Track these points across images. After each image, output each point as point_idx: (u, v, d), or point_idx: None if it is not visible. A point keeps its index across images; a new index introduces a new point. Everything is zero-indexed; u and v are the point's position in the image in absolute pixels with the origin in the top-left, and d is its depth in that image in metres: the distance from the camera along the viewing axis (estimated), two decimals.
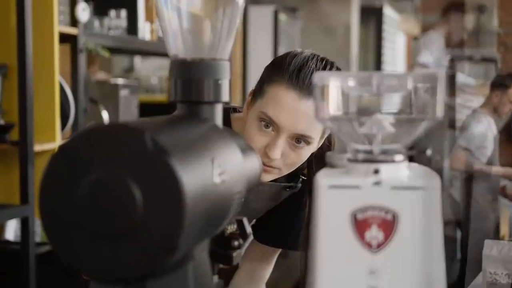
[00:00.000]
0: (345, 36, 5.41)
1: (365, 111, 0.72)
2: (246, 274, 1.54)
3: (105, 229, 0.60)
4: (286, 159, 1.25)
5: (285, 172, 1.28)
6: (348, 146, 0.72)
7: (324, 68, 1.26)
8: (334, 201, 0.68)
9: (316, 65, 1.25)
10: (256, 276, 1.55)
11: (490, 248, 1.96)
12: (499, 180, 4.26)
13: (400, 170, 0.70)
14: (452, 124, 4.91)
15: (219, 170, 0.69)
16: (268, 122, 1.23)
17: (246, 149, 0.84)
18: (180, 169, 0.60)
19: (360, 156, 0.70)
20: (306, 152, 1.26)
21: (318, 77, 0.70)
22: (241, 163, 0.77)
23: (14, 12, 2.33)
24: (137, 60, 5.20)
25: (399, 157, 0.70)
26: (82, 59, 2.62)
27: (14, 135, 2.37)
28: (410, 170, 0.72)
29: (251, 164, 0.83)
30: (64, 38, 2.58)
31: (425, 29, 9.54)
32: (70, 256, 0.62)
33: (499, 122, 4.18)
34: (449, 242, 4.93)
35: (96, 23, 2.88)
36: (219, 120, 0.81)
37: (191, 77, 0.79)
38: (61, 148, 0.62)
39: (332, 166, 0.76)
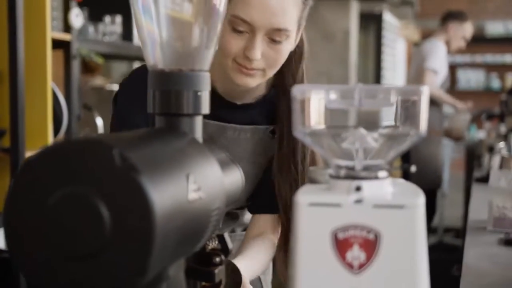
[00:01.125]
0: (344, 43, 5.38)
1: (347, 125, 0.69)
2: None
3: (71, 249, 0.57)
4: (267, 58, 1.21)
5: (270, 73, 1.25)
6: (329, 162, 0.69)
7: None
8: (314, 219, 0.65)
9: None
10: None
11: (497, 179, 1.86)
12: (444, 115, 4.45)
13: (383, 187, 0.67)
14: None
15: (195, 187, 0.66)
16: (240, 24, 1.19)
17: (226, 162, 0.81)
18: (150, 187, 0.57)
19: (342, 172, 0.68)
20: (285, 48, 1.23)
21: (298, 90, 0.68)
22: (220, 178, 0.74)
23: (6, 17, 2.31)
24: (136, 66, 5.18)
25: (382, 174, 0.67)
26: (75, 65, 2.59)
27: (5, 141, 2.34)
28: (394, 186, 0.69)
29: (231, 178, 0.80)
30: (58, 44, 2.55)
31: (425, 35, 9.54)
32: (34, 276, 0.59)
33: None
34: None
35: (91, 28, 2.86)
36: (198, 132, 0.78)
37: (170, 88, 0.76)
38: (28, 162, 0.59)
39: (314, 181, 0.73)
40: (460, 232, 5.15)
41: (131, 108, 1.28)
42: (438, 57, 4.24)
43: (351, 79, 5.48)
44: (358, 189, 0.66)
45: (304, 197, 0.66)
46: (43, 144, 2.43)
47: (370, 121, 0.69)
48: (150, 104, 0.78)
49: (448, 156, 5.97)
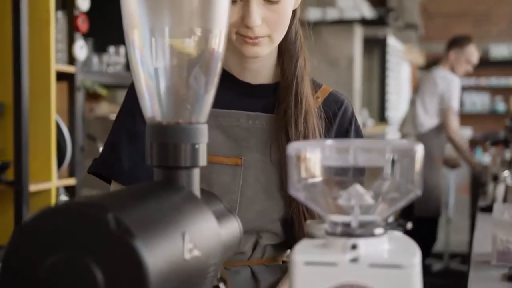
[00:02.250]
0: (348, 68, 5.40)
1: (343, 182, 0.69)
2: None
3: None
4: (269, 22, 1.14)
5: (277, 38, 1.16)
6: (325, 218, 0.69)
7: None
8: (311, 278, 0.65)
9: None
10: None
11: (501, 211, 1.83)
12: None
13: (379, 245, 0.67)
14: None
15: (191, 245, 0.66)
16: None
17: (223, 213, 0.81)
18: (145, 251, 0.57)
19: (338, 229, 0.68)
20: (286, 6, 1.15)
21: (293, 147, 0.68)
22: (217, 232, 0.74)
23: (11, 49, 2.33)
24: None
25: (378, 231, 0.67)
26: (80, 97, 2.61)
27: (9, 174, 2.35)
28: (391, 242, 0.69)
29: (228, 230, 0.80)
30: (62, 76, 2.57)
31: (430, 58, 9.57)
32: None
33: None
34: None
35: (95, 59, 2.88)
36: (196, 185, 0.78)
37: (167, 141, 0.77)
38: (23, 226, 0.60)
39: (311, 236, 0.73)
40: (466, 258, 5.11)
41: (135, 109, 1.22)
42: (457, 94, 4.30)
43: (356, 104, 5.49)
44: (354, 247, 0.66)
45: (300, 256, 0.66)
46: (46, 177, 2.43)
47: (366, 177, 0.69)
48: (148, 156, 0.78)
49: (453, 180, 5.95)
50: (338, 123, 1.26)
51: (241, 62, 1.23)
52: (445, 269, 5.30)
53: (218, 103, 1.24)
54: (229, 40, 1.17)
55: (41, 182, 2.41)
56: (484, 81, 9.79)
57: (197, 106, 0.79)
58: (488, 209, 2.73)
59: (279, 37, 1.17)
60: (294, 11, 1.22)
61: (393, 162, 0.67)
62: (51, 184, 2.46)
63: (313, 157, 0.68)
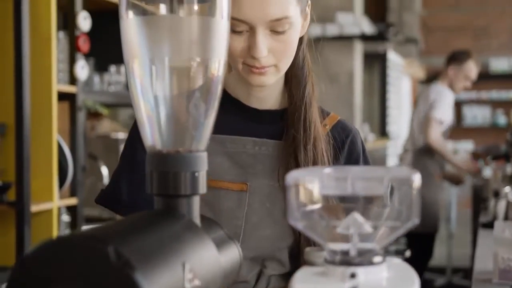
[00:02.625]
0: (348, 83, 5.42)
1: (341, 210, 0.70)
2: None
3: None
4: (275, 52, 1.13)
5: (284, 67, 1.16)
6: (324, 246, 0.70)
7: None
8: None
9: None
10: None
11: (502, 229, 1.82)
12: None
13: (378, 273, 0.67)
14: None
15: (191, 275, 0.66)
16: (237, 25, 1.11)
17: (223, 240, 0.82)
18: (145, 283, 0.58)
19: (337, 258, 0.68)
20: (292, 36, 1.14)
21: (291, 177, 0.68)
22: (217, 260, 0.74)
23: (13, 70, 2.34)
24: None
25: (377, 259, 0.68)
26: (81, 117, 2.62)
27: (11, 195, 2.35)
28: (390, 270, 0.69)
29: (228, 257, 0.80)
30: (63, 95, 2.59)
31: (430, 72, 9.59)
32: None
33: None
34: None
35: (96, 79, 2.89)
36: (196, 212, 0.79)
37: (168, 170, 0.77)
38: (23, 259, 0.60)
39: (310, 263, 0.74)
40: (469, 273, 5.10)
41: (137, 140, 1.21)
42: (447, 106, 4.26)
43: (356, 120, 5.50)
44: (353, 276, 0.66)
45: (300, 284, 0.66)
46: (48, 197, 2.44)
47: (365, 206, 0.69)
48: (148, 184, 0.79)
49: (455, 195, 5.95)
50: (347, 152, 1.26)
51: (247, 90, 1.24)
52: (447, 284, 5.29)
53: (225, 129, 1.25)
54: (235, 69, 1.18)
55: (42, 202, 2.42)
56: (484, 94, 9.82)
57: (197, 134, 0.80)
58: (490, 225, 2.73)
59: (285, 66, 1.17)
60: (301, 38, 1.22)
61: (391, 190, 0.68)
62: (52, 204, 2.46)
63: (311, 186, 0.69)
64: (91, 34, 2.70)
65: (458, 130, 10.04)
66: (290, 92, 1.23)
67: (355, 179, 0.68)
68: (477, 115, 9.99)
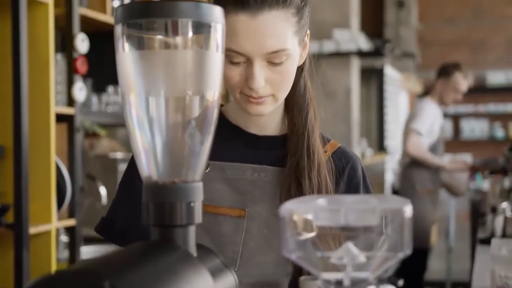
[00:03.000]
0: (346, 99, 5.44)
1: (335, 240, 0.71)
2: None
3: None
4: (272, 83, 1.14)
5: (281, 96, 1.17)
6: (318, 276, 0.71)
7: None
8: None
9: None
10: None
11: (499, 247, 1.82)
12: (440, 171, 4.34)
13: None
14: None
15: None
16: (235, 56, 1.12)
17: (219, 269, 0.82)
18: None
19: (331, 287, 0.69)
20: (290, 66, 1.15)
21: (285, 208, 0.70)
22: None
23: (11, 92, 2.36)
24: None
25: None
26: (79, 138, 2.63)
27: (9, 217, 2.36)
28: None
29: (224, 286, 0.81)
30: (61, 117, 2.60)
31: (427, 86, 9.63)
32: None
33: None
34: None
35: (95, 99, 2.91)
36: (191, 242, 0.80)
37: (164, 200, 0.78)
38: None
39: None
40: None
41: (133, 170, 1.23)
42: (426, 118, 4.24)
43: (354, 136, 5.52)
44: None
45: None
46: (46, 219, 2.44)
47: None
48: (144, 215, 0.80)
49: (453, 209, 5.95)
50: (347, 178, 1.26)
51: (247, 117, 1.24)
52: None
53: (225, 155, 1.26)
54: (234, 98, 1.19)
55: (41, 224, 2.42)
56: (482, 107, 9.85)
57: (192, 165, 0.81)
58: (488, 241, 2.73)
59: (283, 95, 1.17)
60: (302, 66, 1.23)
61: (384, 221, 0.69)
62: (51, 226, 2.46)
63: (305, 217, 0.70)
64: (88, 54, 2.72)
65: (456, 143, 10.07)
66: (292, 119, 1.24)
67: (348, 211, 0.69)
68: (475, 128, 10.01)
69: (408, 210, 0.68)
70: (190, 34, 0.78)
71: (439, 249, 6.79)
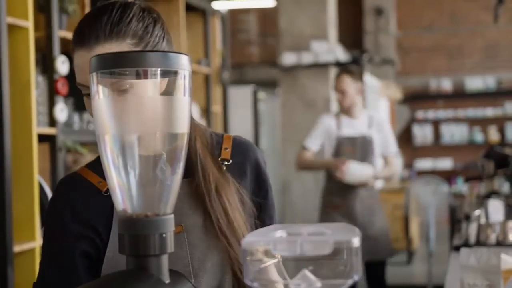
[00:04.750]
0: (325, 109, 5.53)
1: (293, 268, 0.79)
2: None
3: None
4: None
5: None
6: None
7: (104, 10, 1.19)
8: None
9: (97, 11, 1.20)
10: None
11: (467, 256, 1.89)
12: (352, 187, 4.03)
13: None
14: None
15: None
16: (83, 89, 1.18)
17: None
18: None
19: None
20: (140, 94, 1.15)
21: (246, 242, 0.77)
22: None
23: None
24: None
25: None
26: (61, 157, 2.69)
27: None
28: None
29: None
30: (43, 137, 2.65)
31: (407, 92, 9.75)
32: None
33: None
34: None
35: (76, 118, 2.97)
36: (165, 270, 0.87)
37: (138, 232, 0.86)
38: None
39: None
40: None
41: (63, 223, 1.23)
42: (314, 133, 4.13)
43: None
44: None
45: None
46: (30, 237, 2.49)
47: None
48: (120, 246, 0.87)
49: (433, 214, 6.05)
50: (253, 174, 1.31)
51: None
52: None
53: None
54: None
55: (25, 242, 2.48)
56: (461, 112, 10.00)
57: (163, 199, 0.88)
58: (461, 247, 2.81)
59: None
60: None
61: (335, 251, 0.76)
62: (35, 244, 2.52)
63: (265, 249, 0.77)
64: (69, 74, 2.78)
65: (436, 148, 10.21)
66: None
67: (304, 242, 0.76)
68: (454, 133, 10.16)
69: (356, 240, 0.75)
70: (159, 81, 0.85)
71: (421, 252, 6.89)
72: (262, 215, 1.33)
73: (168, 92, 0.86)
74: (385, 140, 4.07)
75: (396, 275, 6.23)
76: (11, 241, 2.39)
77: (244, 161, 1.31)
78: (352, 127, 4.07)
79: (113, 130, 0.86)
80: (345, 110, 4.07)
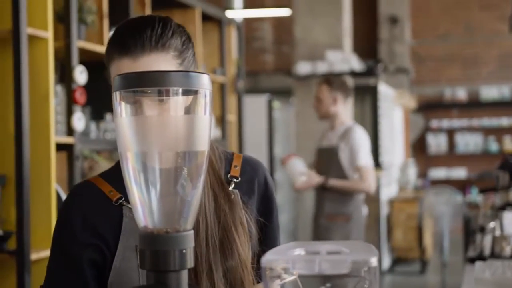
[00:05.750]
0: None
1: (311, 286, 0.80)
2: None
3: None
4: None
5: None
6: None
7: (146, 21, 1.22)
8: None
9: (139, 21, 1.22)
10: None
11: (482, 270, 1.91)
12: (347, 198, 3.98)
13: None
14: None
15: None
16: None
17: None
18: None
19: None
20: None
21: (265, 260, 0.78)
22: None
23: (12, 123, 2.45)
24: None
25: None
26: (78, 166, 2.72)
27: (11, 244, 2.44)
28: None
29: None
30: (61, 146, 2.69)
31: (421, 101, 9.72)
32: None
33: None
34: None
35: (93, 126, 3.00)
36: (184, 285, 0.88)
37: (158, 248, 0.87)
38: None
39: None
40: None
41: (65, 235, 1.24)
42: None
43: None
44: None
45: None
46: (47, 245, 2.52)
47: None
48: (141, 261, 0.88)
49: (447, 224, 6.03)
50: (261, 190, 1.33)
51: None
52: None
53: None
54: None
55: (42, 250, 2.50)
56: (476, 122, 9.96)
57: (184, 214, 0.90)
58: (476, 260, 2.80)
59: None
60: None
61: (354, 270, 0.78)
62: None
63: (284, 267, 0.79)
64: (87, 83, 2.81)
65: (451, 157, 10.16)
66: None
67: (322, 261, 0.78)
68: (469, 142, 10.11)
69: (374, 260, 0.76)
70: (180, 100, 0.87)
71: (434, 263, 6.87)
72: (266, 235, 1.33)
73: (189, 110, 0.88)
74: (351, 152, 3.94)
75: (409, 284, 6.22)
76: (28, 248, 2.42)
77: (253, 180, 1.33)
78: (328, 139, 4.08)
79: (135, 147, 0.88)
80: (321, 118, 4.10)
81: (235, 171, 1.32)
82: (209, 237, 1.24)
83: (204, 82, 0.88)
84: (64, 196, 2.65)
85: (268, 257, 0.79)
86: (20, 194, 2.42)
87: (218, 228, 1.25)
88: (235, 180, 1.30)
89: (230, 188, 1.29)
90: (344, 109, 4.05)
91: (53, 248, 1.27)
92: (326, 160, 4.02)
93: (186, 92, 0.87)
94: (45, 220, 2.53)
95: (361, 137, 3.99)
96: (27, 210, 2.42)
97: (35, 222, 2.49)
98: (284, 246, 0.84)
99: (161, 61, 1.20)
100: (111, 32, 3.01)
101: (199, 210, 1.23)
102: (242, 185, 1.31)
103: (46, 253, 2.53)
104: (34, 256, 2.46)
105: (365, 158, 3.94)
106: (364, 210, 4.18)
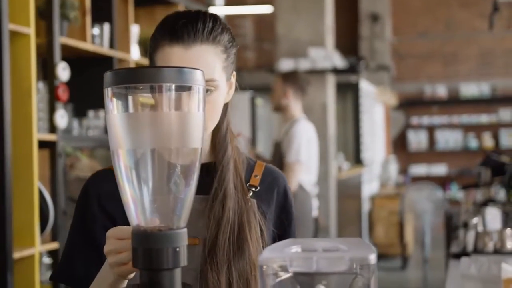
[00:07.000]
0: (322, 115, 5.53)
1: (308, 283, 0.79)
2: None
3: None
4: None
5: (210, 126, 1.23)
6: None
7: (198, 14, 1.23)
8: None
9: (190, 13, 1.23)
10: None
11: (468, 266, 1.91)
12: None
13: None
14: None
15: None
16: None
17: None
18: None
19: None
20: (218, 97, 1.21)
21: (263, 257, 0.77)
22: None
23: None
24: None
25: None
26: (61, 163, 2.69)
27: None
28: None
29: None
30: (43, 143, 2.65)
31: (402, 98, 9.78)
32: None
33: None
34: None
35: (76, 124, 2.97)
36: (177, 283, 0.87)
37: (151, 246, 0.86)
38: None
39: None
40: None
41: (87, 214, 1.26)
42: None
43: (331, 149, 5.61)
44: None
45: None
46: (30, 243, 2.49)
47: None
48: (134, 260, 0.87)
49: (429, 221, 6.06)
50: (280, 201, 1.33)
51: None
52: None
53: None
54: None
55: (25, 248, 2.47)
56: (456, 119, 10.03)
57: (177, 212, 0.89)
58: (460, 256, 2.81)
59: (211, 125, 1.23)
60: (226, 104, 1.29)
61: (352, 267, 0.77)
62: (34, 250, 2.52)
63: (281, 265, 0.78)
64: (69, 80, 2.78)
65: (431, 154, 10.22)
66: (214, 155, 1.29)
67: (320, 258, 0.77)
68: (449, 139, 10.18)
69: (372, 257, 0.76)
70: (173, 96, 0.85)
71: (416, 258, 6.91)
72: None
73: (182, 107, 0.87)
74: (286, 147, 3.91)
75: (391, 280, 6.25)
76: (11, 247, 2.39)
77: (272, 190, 1.33)
78: (280, 133, 4.13)
79: (127, 144, 0.86)
80: (274, 110, 4.14)
81: (255, 180, 1.32)
82: (227, 237, 1.23)
83: (198, 78, 0.87)
84: (47, 194, 2.63)
85: (265, 255, 0.78)
86: (2, 192, 2.39)
87: (235, 228, 1.24)
88: (253, 189, 1.30)
89: (248, 197, 1.28)
90: (295, 103, 4.04)
91: (72, 229, 1.28)
92: (274, 154, 4.05)
93: (179, 88, 0.86)
94: (27, 218, 2.50)
95: (299, 132, 3.93)
96: (9, 208, 2.39)
97: (17, 221, 2.46)
98: (281, 244, 0.84)
99: (211, 53, 1.20)
100: (94, 29, 2.98)
101: (223, 209, 1.23)
102: (261, 194, 1.31)
103: (29, 251, 2.50)
104: (16, 255, 2.43)
105: (295, 154, 3.86)
106: (314, 204, 4.08)
